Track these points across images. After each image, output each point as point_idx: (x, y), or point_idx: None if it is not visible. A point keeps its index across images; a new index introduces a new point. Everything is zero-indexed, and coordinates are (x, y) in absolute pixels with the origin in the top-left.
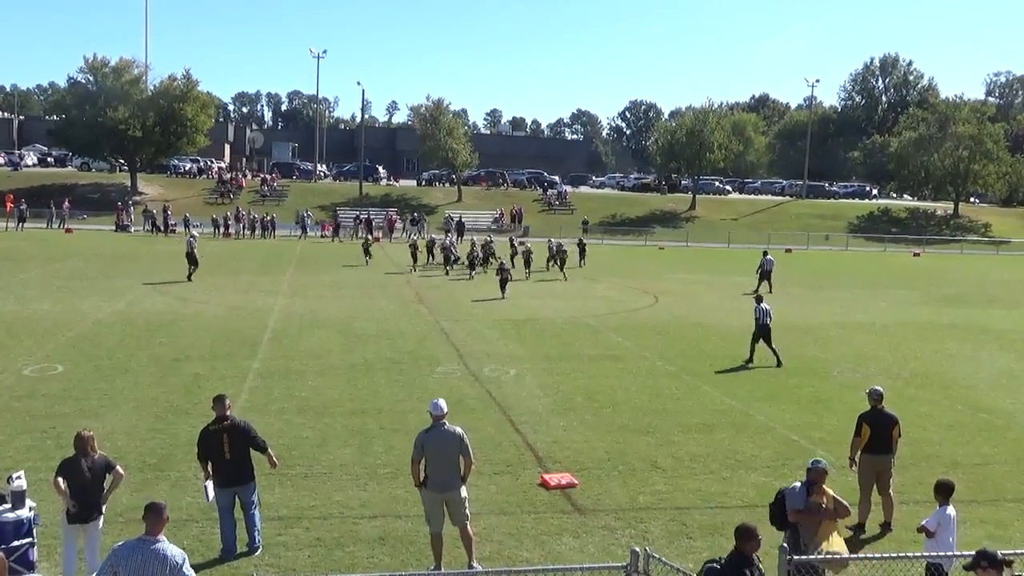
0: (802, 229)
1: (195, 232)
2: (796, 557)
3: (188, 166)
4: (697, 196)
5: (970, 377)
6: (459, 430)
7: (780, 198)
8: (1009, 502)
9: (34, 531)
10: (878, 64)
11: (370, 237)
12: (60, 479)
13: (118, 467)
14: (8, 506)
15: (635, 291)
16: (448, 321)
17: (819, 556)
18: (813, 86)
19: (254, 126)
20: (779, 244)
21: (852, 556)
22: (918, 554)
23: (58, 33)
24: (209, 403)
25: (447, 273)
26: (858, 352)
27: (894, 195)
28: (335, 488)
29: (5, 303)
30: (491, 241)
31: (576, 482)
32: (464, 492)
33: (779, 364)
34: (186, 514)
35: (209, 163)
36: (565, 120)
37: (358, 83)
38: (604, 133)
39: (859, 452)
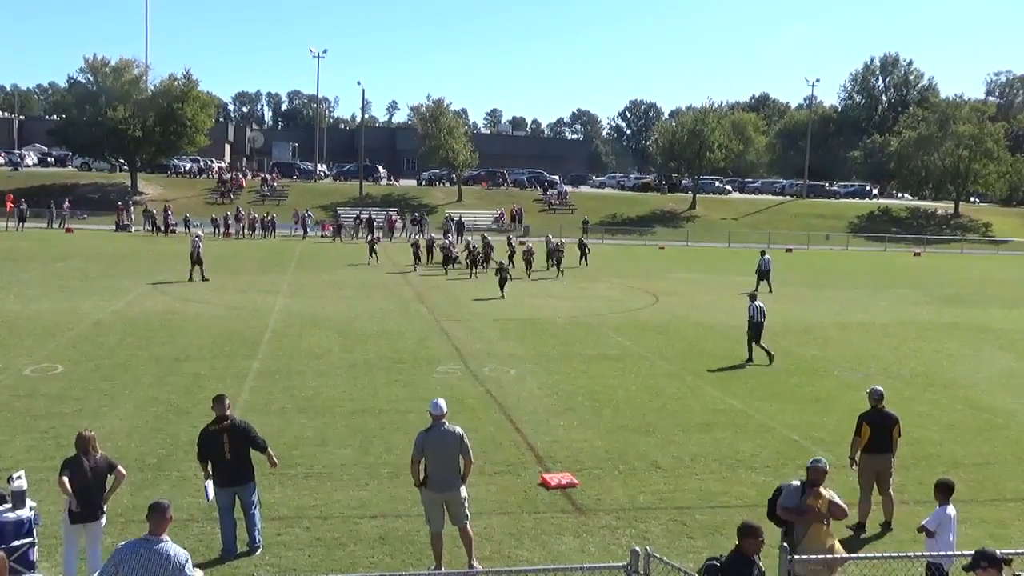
0: (802, 229)
1: (200, 233)
2: (796, 556)
3: (188, 166)
4: (697, 196)
5: (970, 377)
6: (459, 430)
7: (780, 198)
8: (1009, 501)
9: (34, 531)
10: (878, 64)
11: (376, 236)
12: (66, 478)
13: (119, 467)
14: (8, 506)
15: (635, 291)
16: (448, 321)
17: (819, 556)
18: (813, 86)
19: (254, 126)
20: (779, 244)
21: (852, 556)
22: (918, 554)
23: (58, 33)
24: (209, 403)
25: (446, 273)
26: (858, 352)
27: (900, 193)
28: (335, 488)
29: (5, 303)
30: (488, 242)
31: (576, 482)
32: (464, 492)
33: (771, 362)
34: (186, 514)
35: (209, 163)
36: (565, 120)
37: (358, 83)
38: (604, 133)
39: (859, 452)
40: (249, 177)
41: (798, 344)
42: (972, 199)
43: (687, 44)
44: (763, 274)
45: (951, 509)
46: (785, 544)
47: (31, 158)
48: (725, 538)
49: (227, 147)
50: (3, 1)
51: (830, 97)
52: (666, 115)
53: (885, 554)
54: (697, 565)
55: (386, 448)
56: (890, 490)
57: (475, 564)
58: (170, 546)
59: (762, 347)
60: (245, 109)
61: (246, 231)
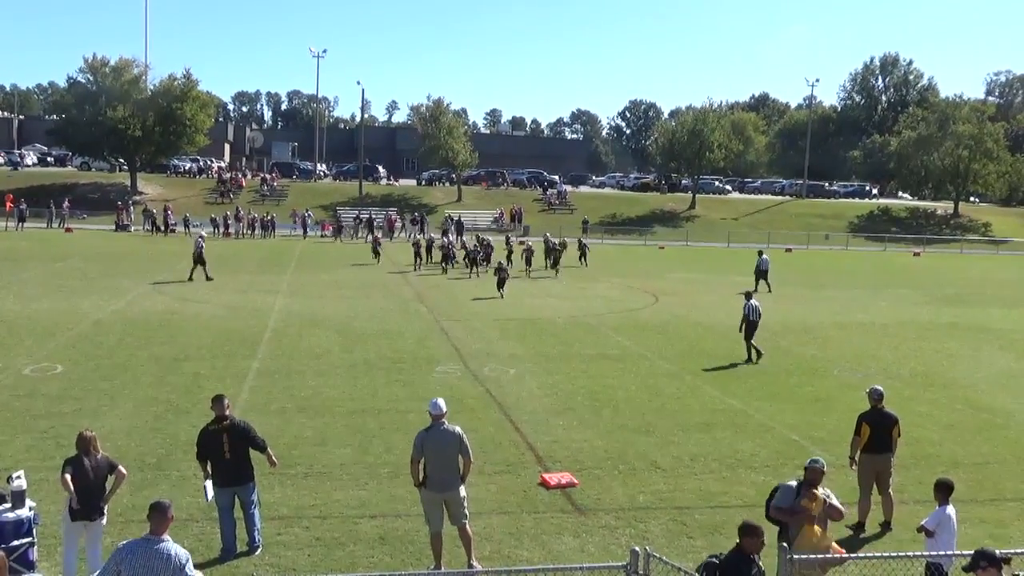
0: (802, 229)
1: (203, 233)
2: (797, 556)
3: (188, 166)
4: (697, 195)
5: (970, 376)
6: (458, 430)
7: (780, 198)
8: (1009, 501)
9: (34, 531)
10: (878, 63)
11: (379, 236)
12: (68, 475)
13: (120, 467)
14: (8, 506)
15: (635, 291)
16: (448, 320)
17: (819, 556)
18: (813, 85)
19: (254, 125)
20: (779, 244)
21: (852, 556)
22: (918, 553)
23: (58, 33)
24: (209, 403)
25: (444, 272)
26: (858, 351)
27: (903, 192)
28: (335, 487)
29: (5, 302)
30: (488, 242)
31: (576, 482)
32: (463, 492)
33: (759, 359)
34: (186, 513)
35: (209, 163)
36: (565, 120)
37: (358, 83)
38: (604, 133)
39: (859, 451)
40: (249, 177)
41: (798, 344)
42: (972, 199)
43: (687, 44)
44: (761, 274)
45: (951, 509)
46: (784, 544)
47: (31, 158)
48: (725, 538)
49: (227, 147)
50: (3, 1)
51: (830, 97)
52: (666, 115)
53: (885, 554)
54: (697, 565)
55: (386, 448)
56: (889, 490)
57: (474, 564)
58: (171, 546)
59: (752, 345)
60: (245, 109)
61: (246, 231)
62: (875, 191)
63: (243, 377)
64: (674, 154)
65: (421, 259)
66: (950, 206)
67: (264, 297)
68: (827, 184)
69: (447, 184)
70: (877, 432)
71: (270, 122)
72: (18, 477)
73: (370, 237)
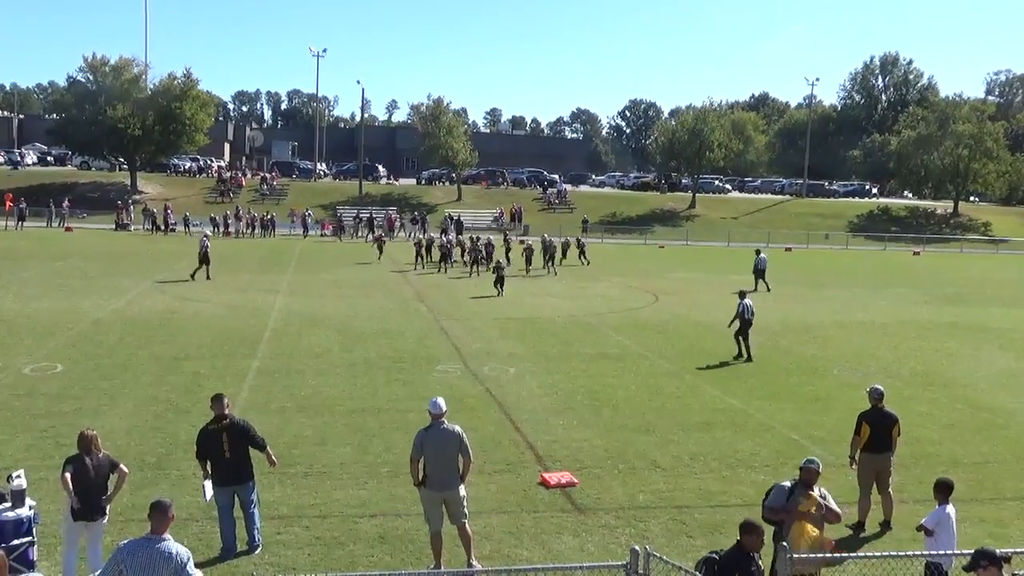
0: (802, 228)
1: (208, 232)
2: (796, 555)
3: (188, 165)
4: (697, 195)
5: (970, 376)
6: (458, 429)
7: (780, 197)
8: (1009, 500)
9: (34, 530)
10: (878, 63)
11: (383, 235)
12: (68, 475)
13: (122, 466)
14: (8, 505)
15: (635, 290)
16: (448, 320)
17: (817, 556)
18: (813, 85)
19: (254, 125)
20: (779, 243)
21: (852, 556)
22: (918, 553)
23: (58, 32)
24: (209, 402)
25: (443, 271)
26: (858, 351)
27: (906, 192)
28: (335, 487)
29: (5, 302)
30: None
31: (576, 481)
32: (463, 491)
33: (742, 356)
34: (186, 513)
35: (209, 162)
36: (565, 119)
37: (358, 82)
38: (604, 132)
39: (859, 451)
40: (249, 176)
41: (798, 343)
42: (971, 198)
43: (687, 43)
44: (759, 273)
45: (950, 508)
46: (785, 544)
47: (31, 157)
48: (724, 537)
49: (227, 146)
50: (3, 1)
51: (830, 96)
52: (666, 114)
53: (885, 553)
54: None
55: (385, 447)
56: (889, 489)
57: (474, 563)
58: (172, 545)
59: (741, 344)
60: (245, 108)
61: (245, 230)
62: (875, 190)
63: (243, 376)
64: (674, 153)
65: (422, 258)
66: (950, 205)
67: (264, 296)
68: (827, 183)
69: (447, 183)
70: (877, 431)
71: (270, 121)
72: (18, 476)
73: (370, 236)
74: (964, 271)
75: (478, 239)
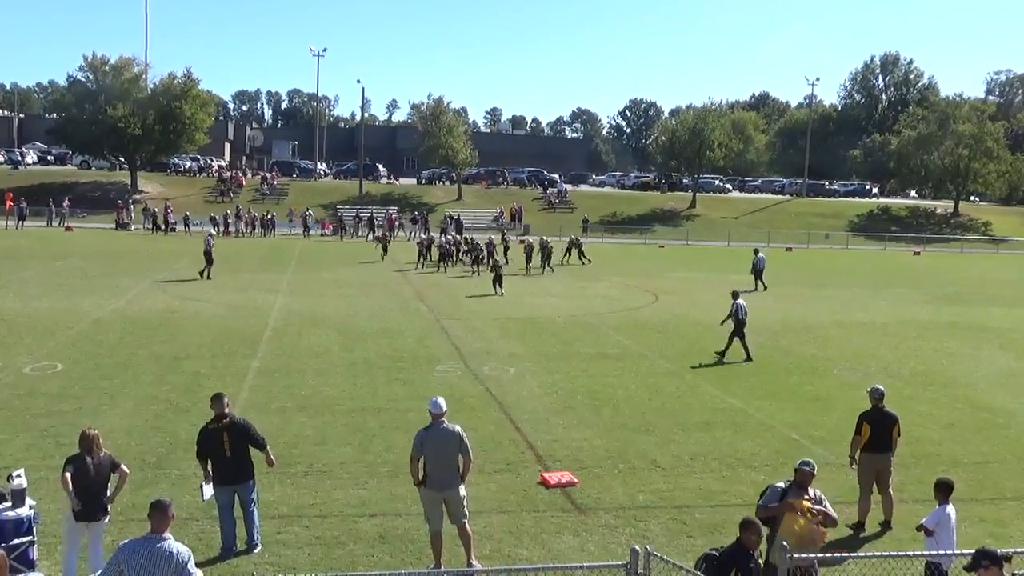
0: (802, 228)
1: (212, 231)
2: (796, 555)
3: (188, 164)
4: (697, 194)
5: (970, 376)
6: (458, 429)
7: (780, 197)
8: (1009, 500)
9: (34, 529)
10: (878, 63)
11: (388, 234)
12: (68, 475)
13: (123, 466)
14: (8, 504)
15: (635, 289)
16: (448, 319)
17: (814, 556)
18: (813, 85)
19: (254, 124)
20: (779, 243)
21: (852, 555)
22: (918, 553)
23: (58, 31)
24: (209, 401)
25: (442, 270)
26: (858, 351)
27: (909, 191)
28: (335, 486)
29: (5, 301)
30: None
31: (576, 481)
32: (463, 491)
33: (721, 355)
34: (186, 512)
35: (209, 161)
36: (565, 118)
37: (358, 81)
38: (604, 132)
39: (859, 451)
40: (249, 176)
41: (798, 343)
42: (972, 198)
43: (687, 43)
44: (758, 272)
45: (950, 508)
46: (785, 543)
47: (31, 156)
48: (725, 537)
49: (227, 146)
50: (3, 1)
51: (830, 96)
52: (666, 114)
53: (885, 553)
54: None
55: (386, 447)
56: (889, 489)
57: (474, 563)
58: (173, 544)
59: (730, 342)
60: (245, 108)
61: (245, 230)
62: (875, 190)
63: (243, 376)
64: (674, 153)
65: (424, 258)
66: (950, 205)
67: (264, 296)
68: (827, 183)
69: (447, 183)
70: (877, 431)
71: (270, 121)
72: (18, 476)
73: (371, 236)
74: (964, 271)
75: (472, 239)
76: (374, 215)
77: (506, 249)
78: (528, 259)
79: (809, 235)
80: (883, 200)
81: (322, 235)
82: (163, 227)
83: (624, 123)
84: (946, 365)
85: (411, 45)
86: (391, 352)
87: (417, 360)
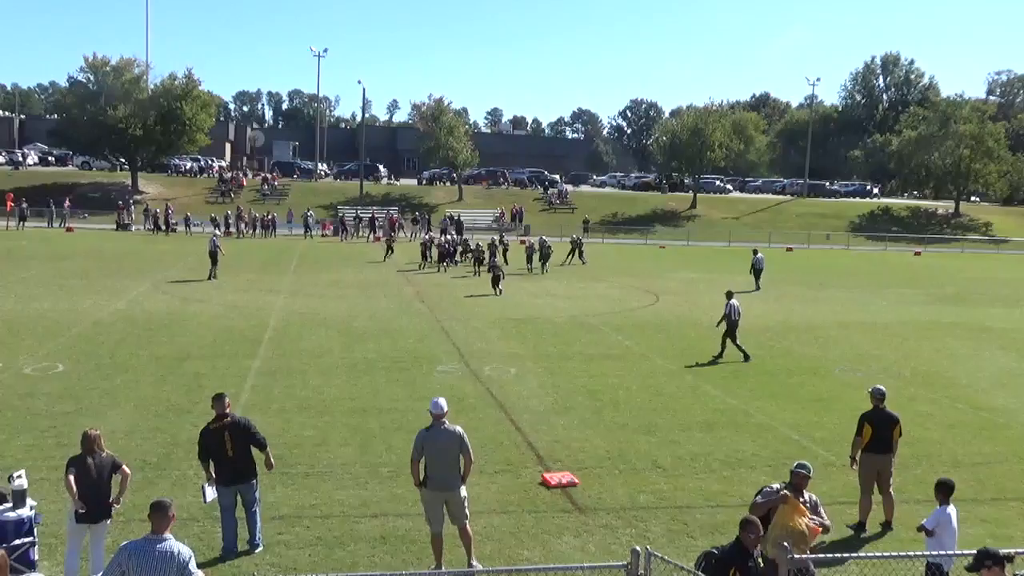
0: (803, 228)
1: (218, 232)
2: (796, 556)
3: (189, 165)
4: (698, 195)
5: (971, 376)
6: (459, 429)
7: (781, 197)
8: (1010, 501)
9: (35, 530)
10: (879, 63)
11: (393, 235)
12: (71, 477)
13: (124, 467)
14: (9, 505)
15: (636, 290)
16: (449, 320)
17: (813, 555)
18: (814, 85)
19: (255, 125)
20: (780, 243)
21: (852, 555)
22: (918, 553)
23: (58, 32)
24: (210, 402)
25: (441, 271)
26: (859, 351)
27: (914, 191)
28: (336, 487)
29: (6, 302)
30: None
31: (577, 481)
32: (464, 491)
33: (718, 357)
34: (187, 513)
35: (210, 162)
36: (566, 119)
37: (359, 82)
38: (605, 132)
39: (860, 451)
40: (250, 176)
41: (799, 343)
42: (972, 198)
43: (687, 43)
44: (758, 273)
45: (951, 509)
46: (785, 543)
47: (32, 157)
48: (725, 537)
49: (228, 146)
50: (3, 1)
51: (831, 96)
52: (667, 114)
53: (885, 554)
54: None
55: (386, 447)
56: (890, 490)
57: (475, 563)
58: (174, 544)
59: (729, 344)
60: (246, 108)
61: (246, 230)
62: (876, 191)
63: (244, 377)
64: (675, 153)
65: (427, 258)
66: (951, 205)
67: (265, 296)
68: (828, 183)
69: (448, 183)
70: (878, 432)
71: (271, 121)
72: (19, 476)
73: (372, 236)
74: (965, 271)
75: (476, 244)
76: (375, 216)
77: (504, 251)
78: (529, 260)
79: (810, 235)
80: (884, 200)
81: (323, 235)
82: (164, 228)
83: (625, 123)
84: (947, 365)
85: (411, 45)
86: (392, 353)
87: (418, 361)
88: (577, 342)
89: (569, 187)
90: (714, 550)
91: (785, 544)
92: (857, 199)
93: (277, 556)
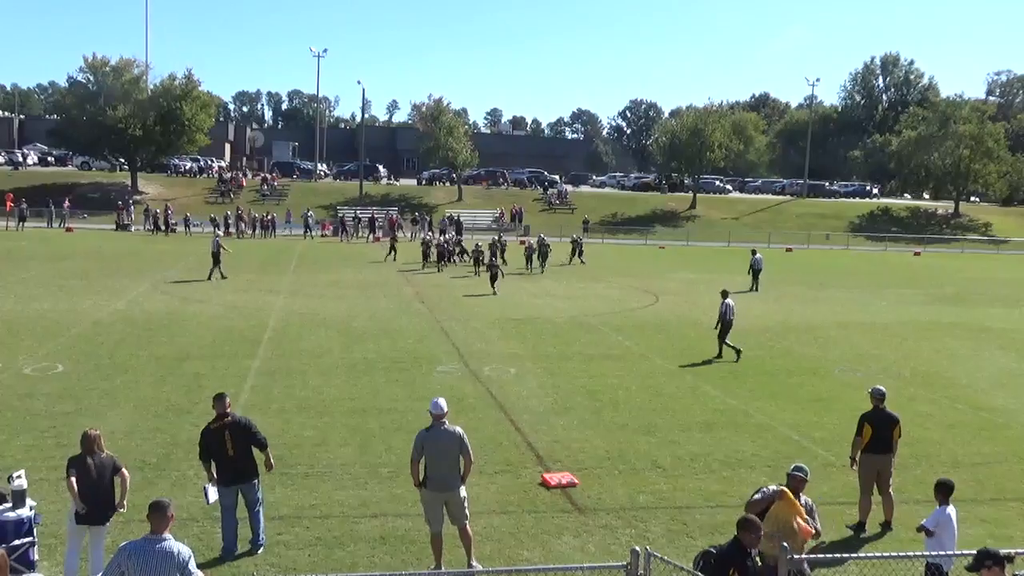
0: (802, 228)
1: (220, 232)
2: (796, 556)
3: (188, 165)
4: (697, 195)
5: (971, 376)
6: (459, 430)
7: (780, 197)
8: (1010, 501)
9: (34, 530)
10: (879, 63)
11: (396, 235)
12: (72, 479)
13: (123, 469)
14: (9, 505)
15: (636, 290)
16: (448, 320)
17: (813, 555)
18: (814, 85)
19: (254, 125)
20: (779, 243)
21: (852, 556)
22: (918, 553)
23: (58, 32)
24: (210, 402)
25: (440, 270)
26: (859, 351)
27: (912, 195)
28: (335, 487)
29: (5, 302)
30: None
31: (576, 481)
32: (463, 492)
33: (718, 356)
34: (187, 513)
35: (209, 162)
36: (565, 119)
37: (358, 82)
38: (604, 132)
39: (859, 451)
40: (249, 177)
41: (798, 344)
42: (972, 199)
43: (687, 44)
44: (756, 273)
45: (950, 509)
46: (785, 544)
47: (32, 157)
48: (725, 538)
49: (227, 146)
50: (3, 1)
51: (830, 97)
52: (666, 114)
53: (885, 554)
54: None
55: (386, 448)
56: (890, 490)
57: (475, 564)
58: (173, 544)
59: (727, 344)
60: (245, 108)
61: (246, 230)
62: (876, 191)
63: (244, 377)
64: (675, 154)
65: (428, 258)
66: (950, 206)
67: (265, 297)
68: (828, 184)
69: (447, 184)
70: (878, 432)
71: (271, 122)
72: (19, 477)
73: (372, 237)
74: (965, 271)
75: (461, 240)
76: (374, 216)
77: (502, 251)
78: (528, 260)
79: (809, 236)
80: (883, 201)
81: (322, 236)
82: (163, 228)
83: (624, 124)
84: (947, 366)
85: (411, 45)
86: (391, 353)
87: (417, 361)
88: (577, 342)
89: (569, 187)
90: (711, 549)
91: (785, 544)
92: (857, 199)
93: (277, 556)
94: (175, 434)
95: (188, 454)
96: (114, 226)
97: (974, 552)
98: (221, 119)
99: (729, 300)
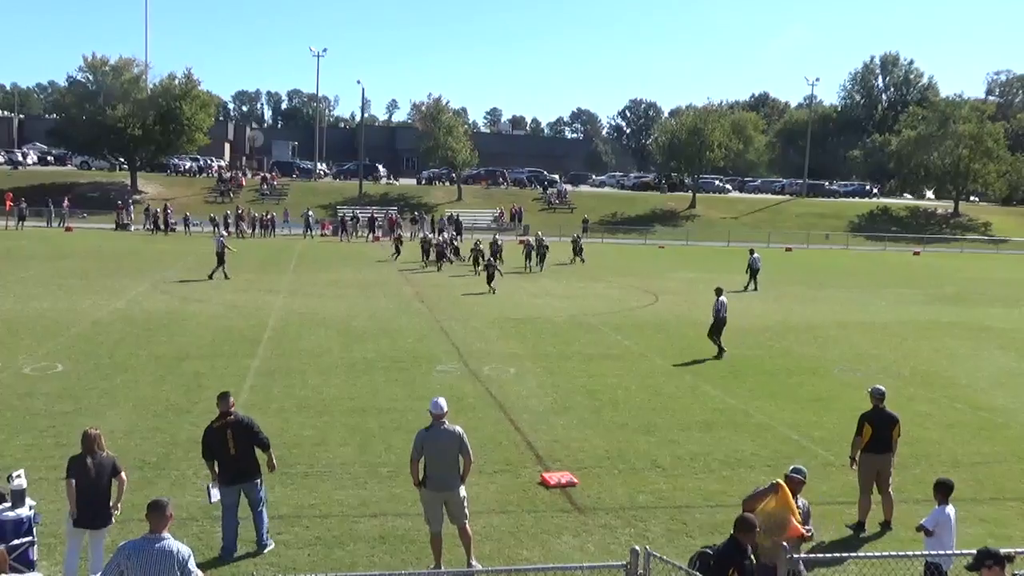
0: (802, 228)
1: (224, 232)
2: (796, 556)
3: (188, 165)
4: (697, 195)
5: (970, 376)
6: (459, 429)
7: (780, 197)
8: (1009, 500)
9: (34, 530)
10: (878, 63)
11: (401, 235)
12: (72, 480)
13: (122, 472)
14: (8, 505)
15: (635, 290)
16: (448, 320)
17: (813, 555)
18: (813, 85)
19: (254, 125)
20: (779, 243)
21: (852, 555)
22: (918, 553)
23: (58, 32)
24: (209, 402)
25: (438, 269)
26: (858, 351)
27: (913, 194)
28: (335, 487)
29: (5, 302)
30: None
31: (576, 481)
32: (463, 491)
33: (720, 356)
34: (186, 512)
35: (209, 162)
36: (565, 119)
37: (358, 82)
38: (604, 132)
39: (859, 451)
40: (249, 176)
41: (798, 343)
42: (972, 198)
43: (687, 44)
44: (754, 272)
45: (950, 509)
46: (785, 544)
47: (31, 157)
48: (724, 537)
49: (227, 146)
50: (3, 1)
51: (830, 96)
52: (666, 114)
53: (885, 553)
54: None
55: (386, 447)
56: (889, 489)
57: (474, 563)
58: (172, 543)
59: (717, 343)
60: (245, 108)
61: (246, 230)
62: (875, 191)
63: (243, 376)
64: (674, 153)
65: (428, 257)
66: (950, 205)
67: (264, 296)
68: (827, 183)
69: (447, 183)
70: (878, 432)
71: (270, 121)
72: (18, 476)
73: (371, 236)
74: (964, 271)
75: (454, 239)
76: (374, 215)
77: (500, 251)
78: (527, 259)
79: (809, 235)
80: (883, 200)
81: (322, 235)
82: (163, 227)
83: (624, 123)
84: (946, 365)
85: (411, 45)
86: (391, 352)
87: (417, 360)
88: (576, 342)
89: (568, 187)
90: (707, 550)
91: (785, 544)
92: (856, 199)
93: (276, 556)
94: (174, 433)
95: (188, 453)
96: (114, 226)
97: (974, 551)
98: (221, 119)
99: (723, 298)
